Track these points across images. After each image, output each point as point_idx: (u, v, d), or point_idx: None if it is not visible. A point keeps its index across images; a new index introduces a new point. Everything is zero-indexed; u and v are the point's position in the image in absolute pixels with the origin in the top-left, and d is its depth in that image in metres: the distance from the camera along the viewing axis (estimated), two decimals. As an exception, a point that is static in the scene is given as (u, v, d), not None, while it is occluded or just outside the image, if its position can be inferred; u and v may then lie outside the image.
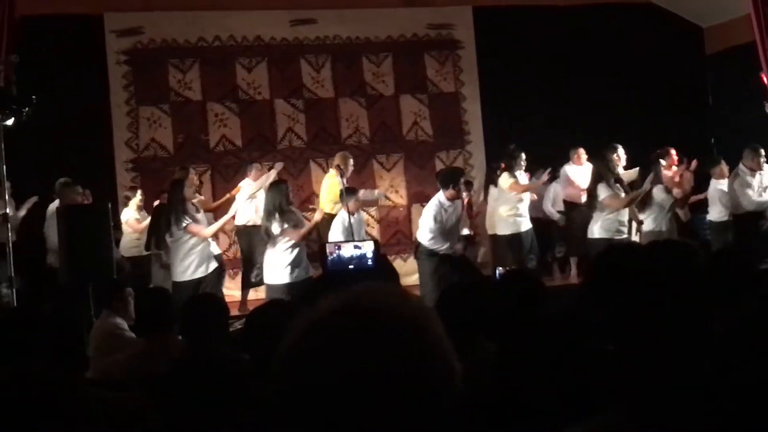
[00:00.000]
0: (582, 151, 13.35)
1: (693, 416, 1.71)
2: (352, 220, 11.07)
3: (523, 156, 12.19)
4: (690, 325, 1.79)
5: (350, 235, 10.88)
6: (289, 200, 10.16)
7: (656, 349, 1.80)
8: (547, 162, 13.47)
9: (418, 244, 11.08)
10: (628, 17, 15.14)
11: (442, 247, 10.58)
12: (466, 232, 12.47)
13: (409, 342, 1.44)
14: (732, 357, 1.71)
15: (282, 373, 1.47)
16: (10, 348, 3.66)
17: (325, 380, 1.40)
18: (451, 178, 10.86)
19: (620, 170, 11.51)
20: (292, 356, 1.47)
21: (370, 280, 1.58)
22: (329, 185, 12.28)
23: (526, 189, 12.17)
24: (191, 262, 10.24)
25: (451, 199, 10.69)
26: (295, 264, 10.11)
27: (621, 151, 11.87)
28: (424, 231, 10.73)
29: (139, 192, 12.59)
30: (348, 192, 11.34)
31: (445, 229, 10.62)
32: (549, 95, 14.48)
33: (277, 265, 10.13)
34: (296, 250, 10.12)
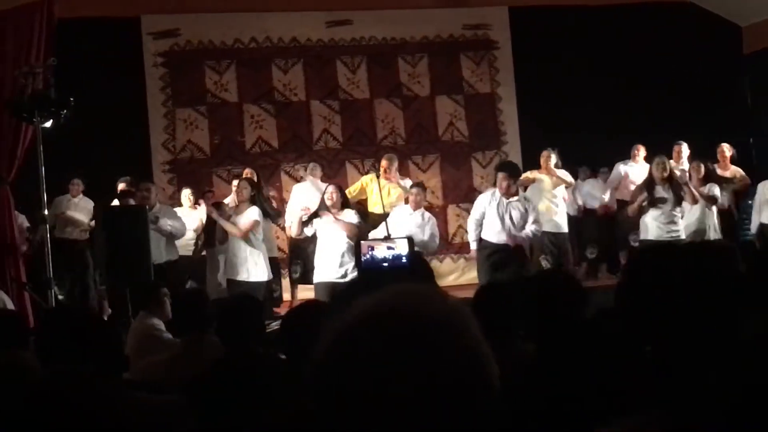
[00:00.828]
0: (641, 149, 13.33)
1: (726, 417, 1.70)
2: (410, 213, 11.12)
3: (550, 155, 12.27)
4: (723, 327, 1.78)
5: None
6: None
7: (690, 351, 1.79)
8: (584, 161, 13.47)
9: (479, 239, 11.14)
10: (665, 16, 15.02)
11: (495, 237, 10.65)
12: None
13: (443, 343, 1.44)
14: (762, 359, 1.70)
15: (316, 376, 1.47)
16: (50, 349, 3.69)
17: (359, 383, 1.40)
18: (505, 170, 10.92)
19: (683, 165, 11.76)
20: (326, 359, 1.47)
21: (405, 278, 1.58)
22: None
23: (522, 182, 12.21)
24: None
25: (502, 192, 10.72)
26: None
27: (684, 147, 12.08)
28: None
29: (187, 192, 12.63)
30: (417, 186, 11.45)
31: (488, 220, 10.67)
32: (586, 95, 14.40)
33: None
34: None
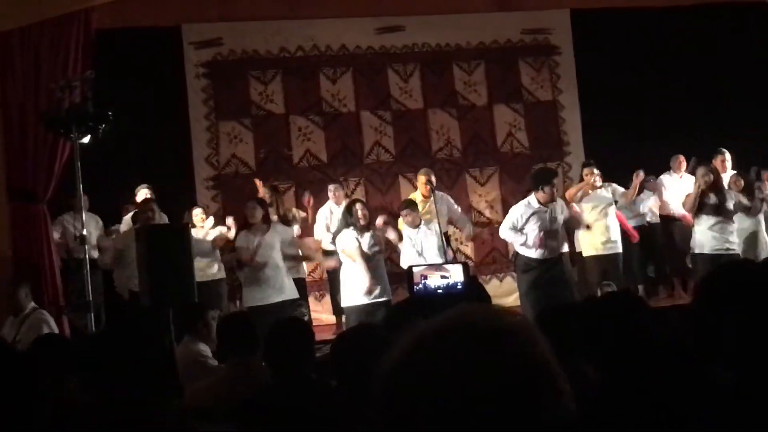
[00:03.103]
0: (682, 158, 13.26)
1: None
2: (413, 233, 11.11)
3: (592, 171, 12.37)
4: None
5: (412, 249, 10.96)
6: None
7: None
8: (651, 171, 13.33)
9: (516, 255, 11.02)
10: (734, 17, 14.84)
11: (537, 253, 10.56)
12: None
13: (516, 354, 1.46)
14: None
15: (390, 392, 1.48)
16: (98, 373, 3.71)
17: (440, 399, 1.42)
18: (541, 179, 10.78)
19: (725, 175, 11.71)
20: (401, 375, 1.48)
21: (459, 302, 1.60)
22: None
23: (573, 192, 12.26)
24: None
25: (543, 201, 10.59)
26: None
27: (727, 155, 12.00)
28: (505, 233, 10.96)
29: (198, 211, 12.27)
30: (407, 208, 11.43)
31: (534, 233, 10.59)
32: (652, 101, 14.30)
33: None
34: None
